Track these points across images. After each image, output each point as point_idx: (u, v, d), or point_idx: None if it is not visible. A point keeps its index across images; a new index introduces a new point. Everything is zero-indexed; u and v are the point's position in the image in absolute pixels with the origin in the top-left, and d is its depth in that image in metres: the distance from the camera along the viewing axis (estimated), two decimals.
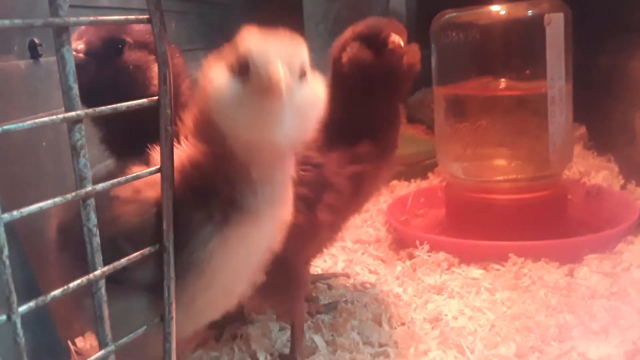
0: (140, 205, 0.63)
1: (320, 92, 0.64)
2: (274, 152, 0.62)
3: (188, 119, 0.65)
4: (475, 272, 1.13)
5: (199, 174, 0.63)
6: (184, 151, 0.64)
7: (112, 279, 0.60)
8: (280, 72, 0.56)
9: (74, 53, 0.73)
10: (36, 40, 0.92)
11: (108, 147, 0.81)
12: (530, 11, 1.25)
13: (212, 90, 0.60)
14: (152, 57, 0.77)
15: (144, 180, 0.59)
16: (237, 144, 0.61)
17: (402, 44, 0.94)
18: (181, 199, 0.61)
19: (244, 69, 0.58)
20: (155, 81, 0.76)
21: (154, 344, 0.59)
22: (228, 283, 0.65)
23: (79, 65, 0.73)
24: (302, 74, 0.60)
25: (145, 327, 0.57)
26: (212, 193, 0.62)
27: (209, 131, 0.62)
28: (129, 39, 0.78)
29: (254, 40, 0.59)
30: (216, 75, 0.60)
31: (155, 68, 0.77)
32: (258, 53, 0.58)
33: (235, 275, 0.65)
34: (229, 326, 0.97)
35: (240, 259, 0.64)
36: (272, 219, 0.65)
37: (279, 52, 0.58)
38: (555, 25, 1.19)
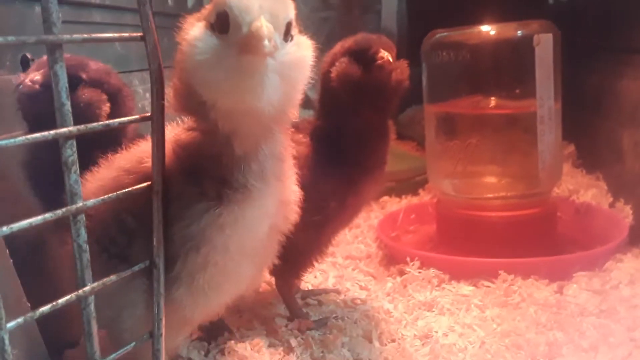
0: (143, 177, 0.58)
1: (308, 53, 0.59)
2: (257, 121, 0.56)
3: (169, 92, 0.59)
4: (466, 288, 1.13)
5: (189, 151, 0.60)
6: (175, 129, 0.62)
7: (116, 256, 0.61)
8: (264, 27, 0.50)
9: (30, 84, 0.76)
10: (28, 55, 0.93)
11: (28, 175, 0.81)
12: (519, 32, 1.27)
13: (188, 49, 0.55)
14: (104, 97, 0.81)
15: (148, 152, 0.57)
16: (218, 113, 0.56)
17: (390, 60, 0.95)
18: (174, 176, 0.58)
19: (223, 25, 0.53)
20: (104, 119, 0.79)
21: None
22: (228, 263, 0.61)
23: (33, 96, 0.75)
24: (288, 33, 0.56)
25: (134, 342, 0.57)
26: (203, 171, 0.59)
27: (190, 101, 0.58)
28: (84, 77, 0.80)
29: None
30: (193, 33, 0.55)
31: (105, 107, 0.81)
32: (239, 6, 0.52)
33: (234, 254, 0.61)
34: (216, 341, 0.96)
35: (237, 238, 0.60)
36: (268, 197, 0.60)
37: (263, 5, 0.52)
38: (545, 45, 1.21)
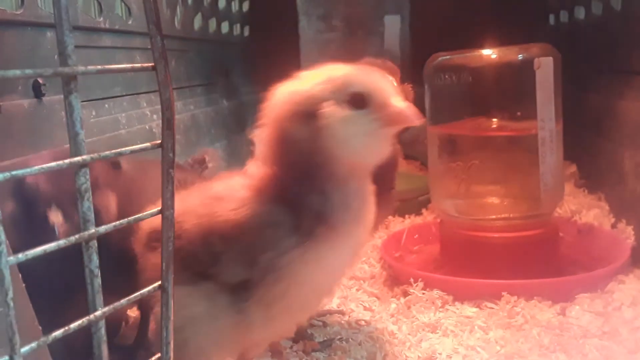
0: (238, 202, 0.68)
1: None
2: (366, 170, 0.70)
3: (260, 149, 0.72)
4: (469, 310, 1.14)
5: (286, 190, 0.68)
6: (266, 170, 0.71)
7: (197, 275, 0.68)
8: (402, 102, 0.67)
9: None
10: (40, 80, 0.95)
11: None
12: (520, 55, 1.29)
13: (328, 123, 0.66)
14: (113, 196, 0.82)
15: (239, 183, 0.70)
16: (340, 165, 0.67)
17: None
18: (275, 202, 0.67)
19: (358, 103, 0.67)
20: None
21: None
22: (304, 296, 0.69)
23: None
24: None
25: None
26: (301, 207, 0.66)
27: (297, 154, 0.68)
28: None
29: (366, 76, 0.69)
30: (332, 113, 0.67)
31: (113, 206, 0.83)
32: (376, 89, 0.67)
33: (312, 288, 0.69)
34: None
35: (318, 273, 0.68)
36: (355, 237, 0.70)
37: (389, 84, 0.70)
38: (545, 68, 1.23)
